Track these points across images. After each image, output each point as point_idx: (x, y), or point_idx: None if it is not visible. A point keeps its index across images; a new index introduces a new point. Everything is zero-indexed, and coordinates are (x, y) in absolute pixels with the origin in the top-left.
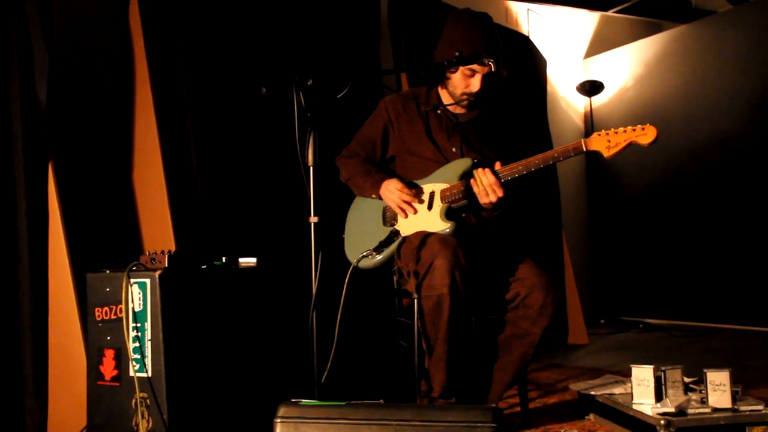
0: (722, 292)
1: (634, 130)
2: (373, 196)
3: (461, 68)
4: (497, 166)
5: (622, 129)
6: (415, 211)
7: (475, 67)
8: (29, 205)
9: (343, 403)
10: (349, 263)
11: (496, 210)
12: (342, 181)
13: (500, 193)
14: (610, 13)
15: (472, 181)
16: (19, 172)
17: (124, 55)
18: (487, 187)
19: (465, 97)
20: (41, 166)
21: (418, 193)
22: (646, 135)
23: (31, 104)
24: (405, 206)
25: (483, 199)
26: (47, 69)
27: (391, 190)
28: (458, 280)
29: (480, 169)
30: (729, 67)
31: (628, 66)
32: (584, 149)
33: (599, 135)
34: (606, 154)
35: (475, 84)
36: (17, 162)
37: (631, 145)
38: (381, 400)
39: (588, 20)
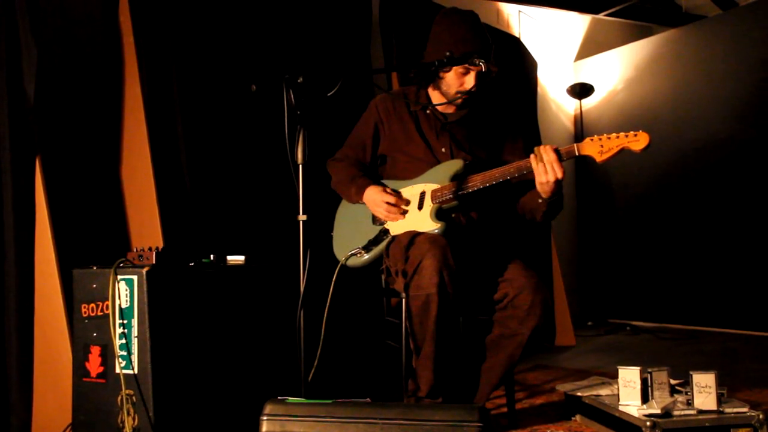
0: (709, 296)
1: (626, 136)
2: (360, 201)
3: (455, 67)
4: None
5: (615, 135)
6: (403, 216)
7: (467, 65)
8: (16, 200)
9: (330, 402)
10: (338, 261)
11: (552, 197)
12: (332, 186)
13: (560, 173)
14: (600, 16)
15: (532, 156)
16: (6, 167)
17: (114, 51)
18: (547, 163)
19: (459, 95)
20: (28, 162)
21: (401, 199)
22: (638, 141)
23: (19, 99)
24: (392, 217)
25: (542, 178)
26: (36, 63)
27: (377, 202)
28: (447, 280)
29: (542, 146)
30: (718, 71)
31: (619, 69)
32: (577, 153)
33: (592, 140)
34: (598, 159)
35: (470, 82)
36: (4, 157)
37: (623, 151)
38: (368, 399)
39: (579, 23)
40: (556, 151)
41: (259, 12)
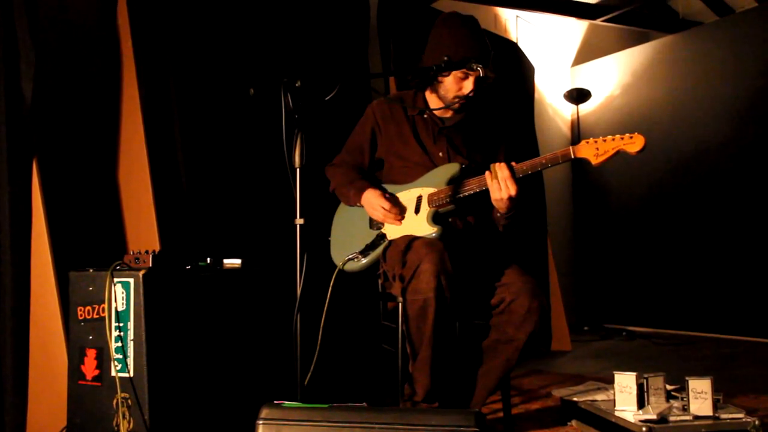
0: (705, 301)
1: (622, 138)
2: (358, 204)
3: (453, 72)
4: (513, 164)
5: (610, 137)
6: (400, 221)
7: (466, 69)
8: (12, 202)
9: (326, 406)
10: (335, 266)
11: (508, 212)
12: (331, 190)
13: (513, 190)
14: (598, 21)
15: (487, 173)
16: (2, 168)
17: (112, 53)
18: (501, 180)
19: (457, 100)
20: (25, 164)
21: (397, 204)
22: (634, 143)
23: (16, 101)
24: (389, 220)
25: (496, 194)
26: (33, 65)
27: (373, 206)
28: (444, 284)
29: (497, 163)
30: (715, 77)
31: (616, 74)
32: (572, 156)
33: (587, 143)
34: (594, 161)
35: (468, 86)
36: (0, 159)
37: (619, 154)
38: (364, 404)
39: (576, 28)
40: (510, 167)
41: (258, 16)
